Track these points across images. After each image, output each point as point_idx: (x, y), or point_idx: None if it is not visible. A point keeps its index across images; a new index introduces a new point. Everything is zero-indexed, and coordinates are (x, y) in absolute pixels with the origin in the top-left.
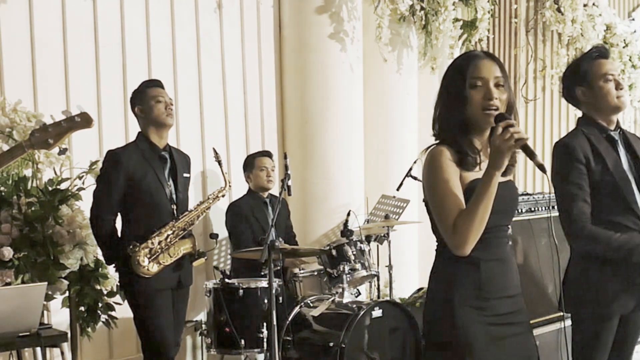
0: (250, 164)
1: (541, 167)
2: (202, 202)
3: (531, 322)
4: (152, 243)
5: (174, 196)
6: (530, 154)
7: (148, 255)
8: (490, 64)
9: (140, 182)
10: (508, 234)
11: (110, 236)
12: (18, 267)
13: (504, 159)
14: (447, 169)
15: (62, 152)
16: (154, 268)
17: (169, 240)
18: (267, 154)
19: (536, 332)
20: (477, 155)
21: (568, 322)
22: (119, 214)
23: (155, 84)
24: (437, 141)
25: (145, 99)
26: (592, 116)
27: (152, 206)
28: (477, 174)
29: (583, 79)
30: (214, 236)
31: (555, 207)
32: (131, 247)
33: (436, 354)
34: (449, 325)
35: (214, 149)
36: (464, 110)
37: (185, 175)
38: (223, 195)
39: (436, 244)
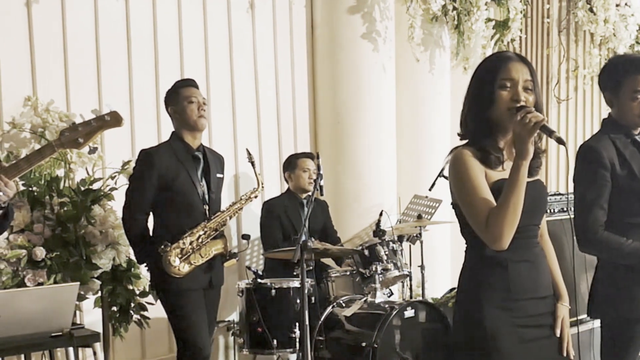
0: (293, 164)
1: (560, 141)
2: (234, 202)
3: None
4: (184, 243)
5: (206, 196)
6: (549, 132)
7: (179, 256)
8: (521, 67)
9: (173, 182)
10: (538, 235)
11: (142, 236)
12: (50, 267)
13: (528, 144)
14: (473, 167)
15: (92, 151)
16: (185, 268)
17: (200, 240)
18: (310, 155)
19: None
20: (500, 154)
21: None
22: (151, 213)
23: (189, 83)
24: (462, 141)
25: (178, 100)
26: (618, 119)
27: (184, 206)
28: (501, 173)
29: (613, 87)
30: (246, 237)
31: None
32: (162, 247)
33: (464, 354)
34: (477, 326)
35: (247, 149)
36: (490, 110)
37: (219, 175)
38: (256, 196)
39: (465, 245)
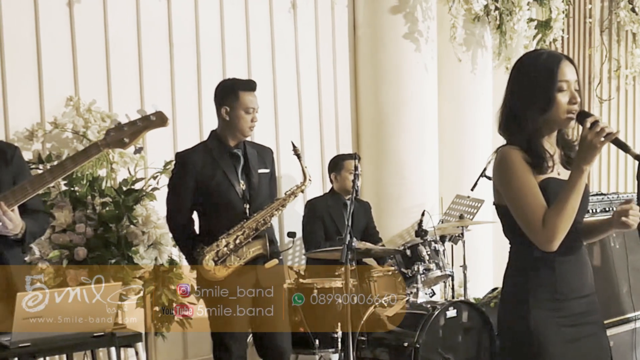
0: (339, 165)
1: (638, 157)
2: (277, 199)
3: (605, 322)
4: (217, 245)
5: (247, 195)
6: (624, 146)
7: (215, 258)
8: (572, 69)
9: (209, 183)
10: (581, 233)
11: (188, 239)
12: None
13: (596, 153)
14: (522, 168)
15: (138, 151)
16: (221, 272)
17: (237, 241)
18: (356, 157)
19: (610, 332)
20: (551, 161)
21: None
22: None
23: (251, 87)
24: (507, 142)
25: (236, 105)
26: None
27: (222, 206)
28: (547, 174)
29: None
30: (292, 234)
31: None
32: (198, 250)
33: (510, 355)
34: (524, 327)
35: (292, 142)
36: (546, 112)
37: (262, 171)
38: (302, 191)
39: (509, 245)
